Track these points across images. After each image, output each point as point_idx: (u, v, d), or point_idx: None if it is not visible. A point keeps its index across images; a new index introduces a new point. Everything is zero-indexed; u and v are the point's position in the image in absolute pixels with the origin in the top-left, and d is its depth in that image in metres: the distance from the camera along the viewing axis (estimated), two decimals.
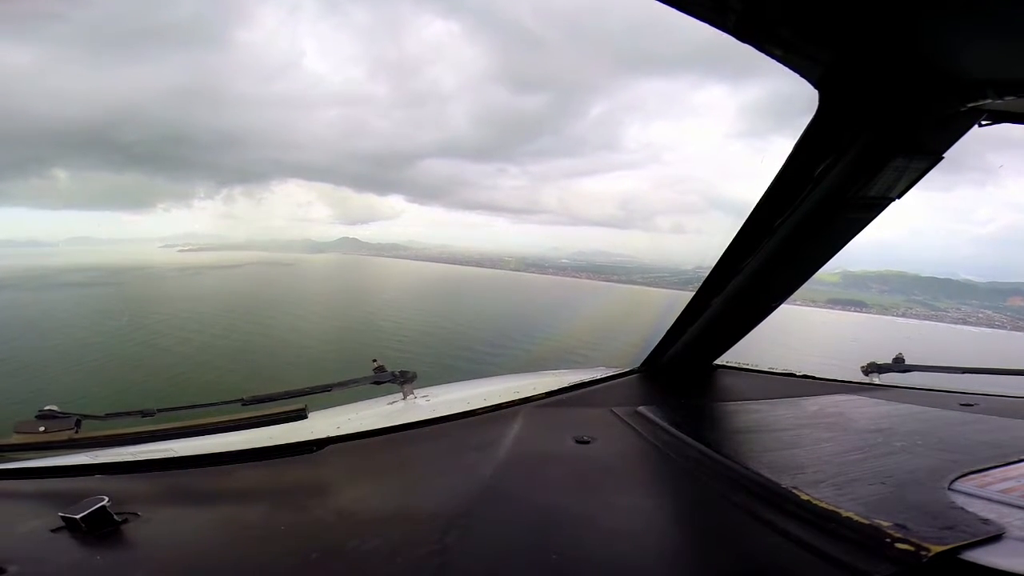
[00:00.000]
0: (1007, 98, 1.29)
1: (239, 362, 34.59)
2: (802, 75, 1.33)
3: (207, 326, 47.05)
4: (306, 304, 66.48)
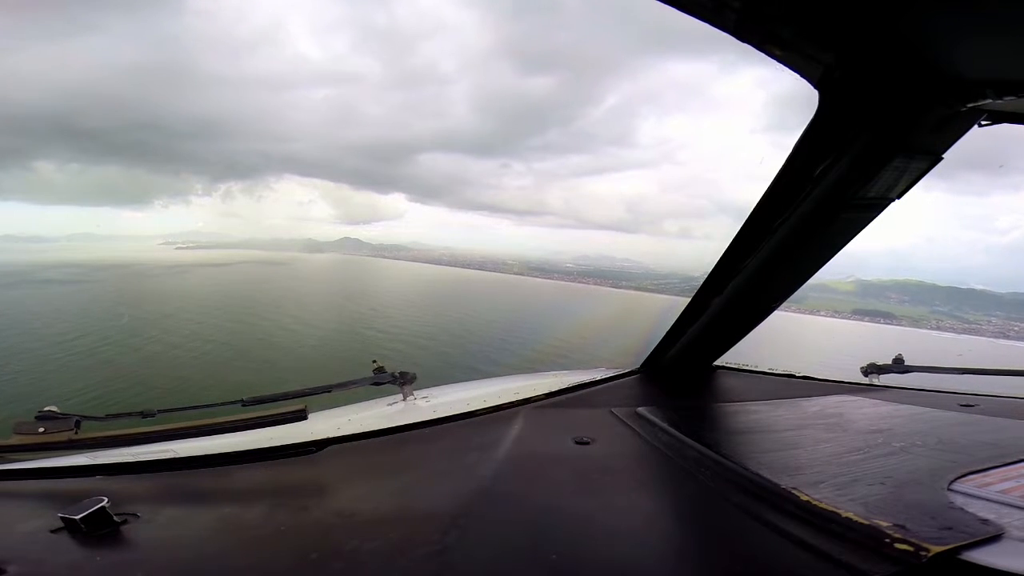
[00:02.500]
0: (1007, 98, 1.30)
1: (176, 379, 28.80)
2: (802, 75, 1.33)
3: (166, 332, 42.22)
4: (287, 306, 62.71)
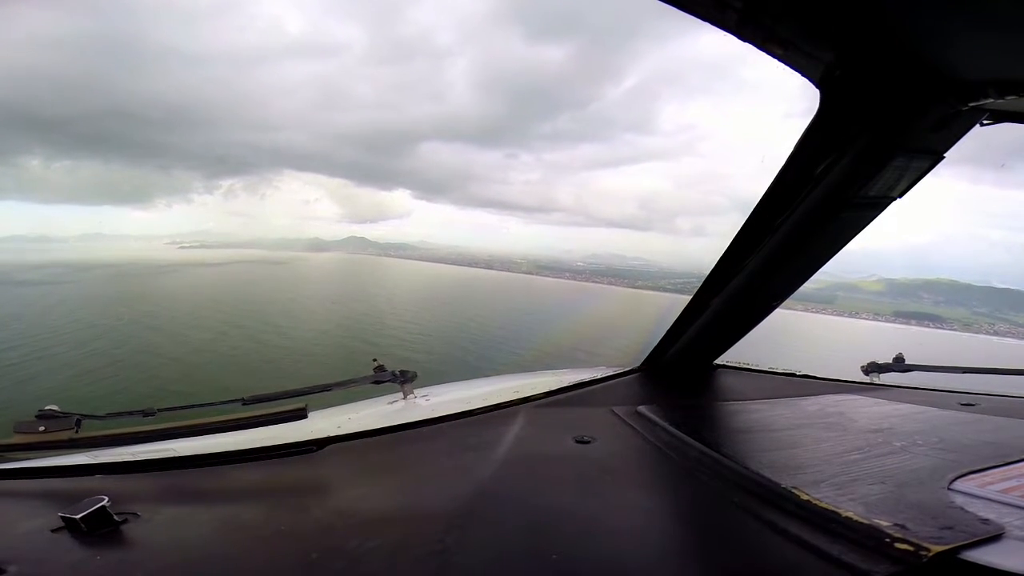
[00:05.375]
0: (1008, 97, 1.30)
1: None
2: (803, 74, 1.33)
3: (115, 344, 35.49)
4: (268, 309, 56.21)
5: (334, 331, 47.23)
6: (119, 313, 47.63)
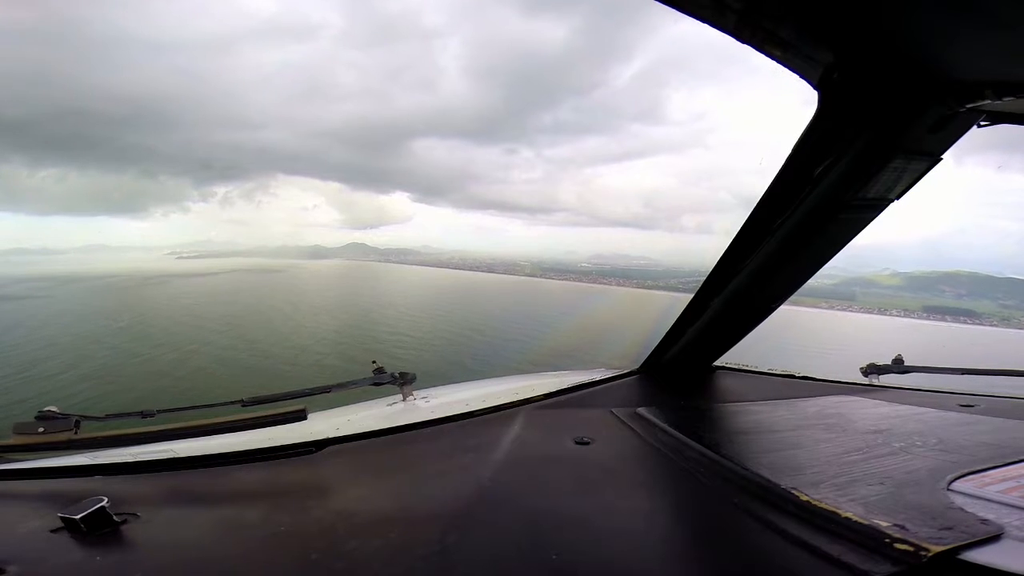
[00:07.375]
0: (1006, 99, 1.30)
1: None
2: (802, 76, 1.33)
3: (63, 367, 32.48)
4: (238, 324, 51.59)
5: (315, 347, 43.90)
6: (118, 318, 46.57)
